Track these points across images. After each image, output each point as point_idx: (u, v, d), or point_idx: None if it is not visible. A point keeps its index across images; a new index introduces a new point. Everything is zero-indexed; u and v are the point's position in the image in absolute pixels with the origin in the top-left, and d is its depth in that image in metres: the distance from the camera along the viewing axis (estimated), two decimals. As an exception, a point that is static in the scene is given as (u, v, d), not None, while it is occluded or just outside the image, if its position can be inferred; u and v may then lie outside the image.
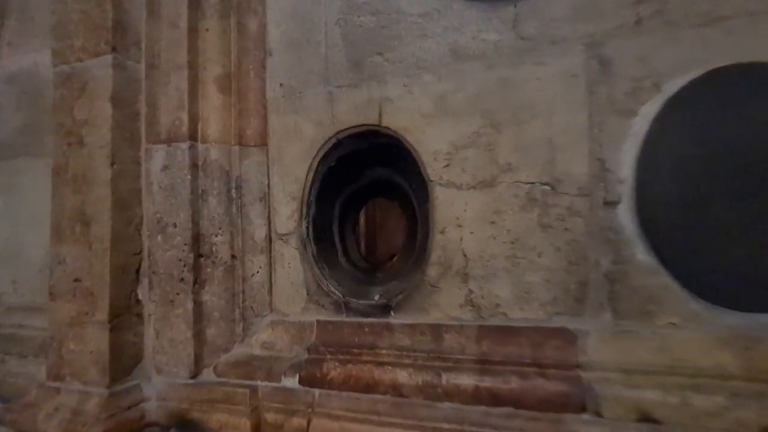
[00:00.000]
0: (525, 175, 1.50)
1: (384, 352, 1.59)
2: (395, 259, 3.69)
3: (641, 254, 1.37)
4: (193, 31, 1.75)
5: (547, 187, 1.47)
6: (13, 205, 2.43)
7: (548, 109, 1.47)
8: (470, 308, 1.55)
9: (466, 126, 1.57)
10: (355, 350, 1.63)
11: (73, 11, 1.72)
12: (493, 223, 1.53)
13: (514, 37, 1.52)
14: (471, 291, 1.55)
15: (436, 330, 1.57)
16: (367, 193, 3.02)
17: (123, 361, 1.65)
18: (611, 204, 1.40)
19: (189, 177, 1.71)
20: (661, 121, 1.36)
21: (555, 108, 1.46)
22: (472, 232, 1.56)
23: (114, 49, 1.67)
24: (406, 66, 1.66)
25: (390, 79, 1.68)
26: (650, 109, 1.36)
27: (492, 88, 1.54)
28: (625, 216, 1.39)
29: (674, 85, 1.34)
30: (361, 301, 1.73)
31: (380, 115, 1.70)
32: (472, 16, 1.57)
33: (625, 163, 1.39)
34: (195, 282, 1.70)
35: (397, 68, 1.68)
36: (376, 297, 1.92)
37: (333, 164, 2.01)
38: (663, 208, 1.35)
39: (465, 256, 1.57)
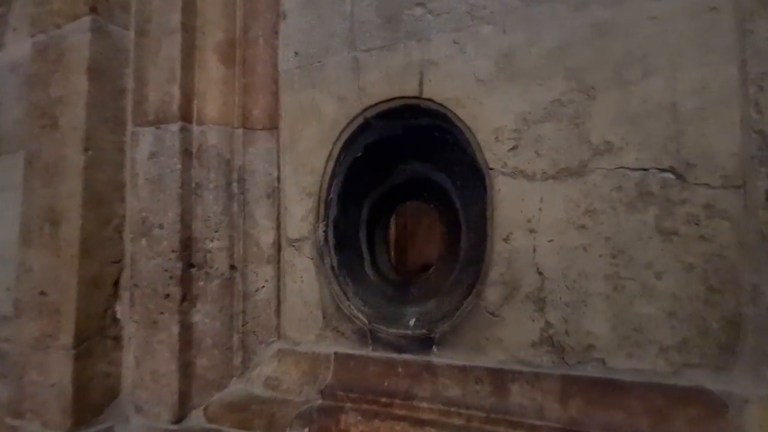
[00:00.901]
0: (633, 158, 1.03)
1: (424, 405, 1.15)
2: (431, 271, 3.24)
3: (838, 279, 0.86)
4: (189, -12, 1.41)
5: (669, 175, 0.99)
6: (13, 204, 2.20)
7: (671, 62, 1.00)
8: (548, 348, 1.09)
9: (542, 92, 1.13)
10: (384, 399, 1.20)
11: (53, -31, 1.43)
12: (583, 227, 1.07)
13: (614, -37, 1.07)
14: (550, 324, 1.09)
15: (499, 378, 1.12)
16: (400, 194, 2.61)
17: (92, 398, 1.30)
18: (782, 200, 0.90)
19: (179, 166, 1.36)
20: None
21: (682, 58, 0.99)
22: (550, 241, 1.10)
23: (94, 10, 1.36)
24: (456, 17, 1.24)
25: (435, 35, 1.27)
26: None
27: (582, 38, 1.09)
28: (807, 218, 0.89)
29: None
30: (392, 330, 1.31)
31: (421, 84, 1.28)
32: (551, -58, 1.14)
33: (807, 137, 0.89)
34: (183, 299, 1.34)
35: (445, 21, 1.26)
36: (412, 322, 1.49)
37: (359, 154, 1.61)
38: None
39: (540, 274, 1.11)
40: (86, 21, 1.35)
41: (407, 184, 2.38)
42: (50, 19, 1.42)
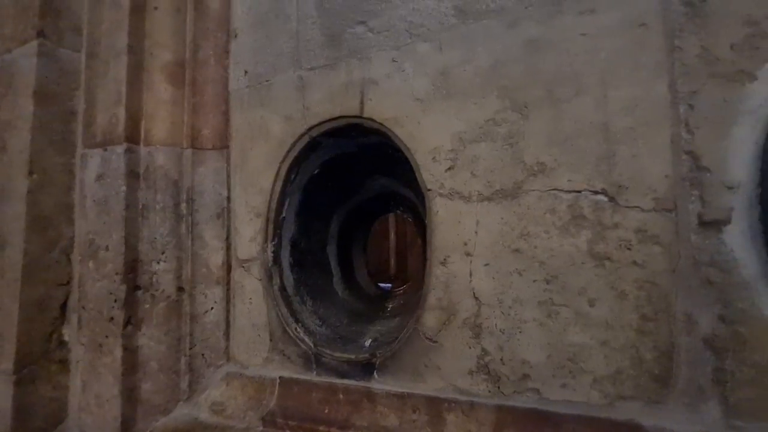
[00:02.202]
0: (566, 180, 0.99)
1: (359, 435, 1.11)
2: (406, 286, 3.19)
3: (772, 309, 0.81)
4: (137, 10, 1.41)
5: (602, 198, 0.95)
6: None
7: (602, 80, 0.97)
8: (485, 377, 1.05)
9: (477, 111, 1.10)
10: (322, 428, 1.16)
11: (5, -6, 1.45)
12: (517, 251, 1.03)
13: (546, -21, 1.04)
14: (486, 352, 1.05)
15: (435, 407, 1.08)
16: (377, 207, 2.59)
17: (34, 423, 1.29)
18: (713, 224, 0.86)
19: (124, 188, 1.35)
20: (800, 86, 0.82)
21: (613, 77, 0.96)
22: (486, 264, 1.06)
23: (41, 34, 1.37)
24: (395, 35, 1.22)
25: (375, 54, 1.25)
26: (780, 67, 0.82)
27: (515, 55, 1.06)
28: (741, 244, 0.84)
29: (827, 23, 0.79)
30: (337, 354, 1.27)
31: (362, 103, 1.26)
32: (486, -42, 1.11)
33: (738, 158, 0.85)
34: (127, 322, 1.32)
35: (384, 39, 1.24)
36: (368, 342, 1.46)
37: (316, 172, 1.59)
38: (811, 232, 0.80)
39: (477, 299, 1.07)
40: (33, 45, 1.36)
41: (380, 198, 2.36)
42: (3, 43, 1.44)
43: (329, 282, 1.99)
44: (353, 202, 2.15)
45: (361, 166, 1.75)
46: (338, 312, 1.81)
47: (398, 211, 2.71)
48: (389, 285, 3.41)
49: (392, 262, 5.20)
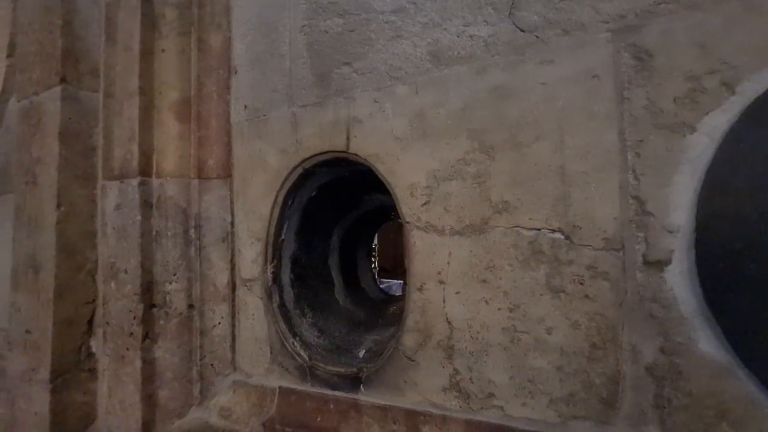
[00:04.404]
0: (527, 219, 1.08)
1: (345, 442, 1.25)
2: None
3: (705, 342, 0.89)
4: (146, 53, 1.55)
5: (558, 236, 1.04)
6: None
7: (558, 126, 1.05)
8: (456, 394, 1.16)
9: (449, 151, 1.19)
10: (313, 434, 1.31)
11: (31, 41, 1.62)
12: (484, 281, 1.13)
13: (510, 29, 1.12)
14: (457, 371, 1.16)
15: (412, 419, 1.20)
16: (379, 217, 2.70)
17: (68, 425, 1.48)
18: (656, 264, 0.94)
19: (139, 217, 1.51)
20: (737, 138, 0.88)
21: (568, 124, 1.04)
22: (457, 292, 1.17)
23: (63, 80, 1.53)
24: (377, 77, 1.32)
25: (359, 94, 1.35)
26: (718, 121, 0.89)
27: (482, 100, 1.15)
28: (680, 283, 0.92)
29: (759, 83, 0.85)
30: (329, 368, 1.41)
31: (348, 140, 1.37)
32: (457, 6, 1.19)
33: (678, 204, 0.92)
34: (145, 336, 1.49)
35: (367, 80, 1.34)
36: (362, 353, 1.59)
37: (314, 194, 1.72)
38: (742, 274, 0.87)
39: (449, 323, 1.18)
40: (57, 90, 1.52)
41: (380, 210, 2.47)
42: (31, 87, 1.61)
43: (331, 292, 2.12)
44: (352, 217, 2.27)
45: (358, 185, 1.86)
46: (338, 321, 1.95)
47: (399, 220, 2.83)
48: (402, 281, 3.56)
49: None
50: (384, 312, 2.39)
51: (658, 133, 0.94)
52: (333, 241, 2.19)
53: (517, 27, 1.11)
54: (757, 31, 0.86)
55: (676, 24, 0.93)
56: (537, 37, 1.08)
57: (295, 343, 1.50)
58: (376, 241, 5.51)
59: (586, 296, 1.01)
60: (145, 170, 1.54)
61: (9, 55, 2.12)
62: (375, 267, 5.77)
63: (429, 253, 1.22)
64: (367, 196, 2.16)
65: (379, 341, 1.70)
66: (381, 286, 3.37)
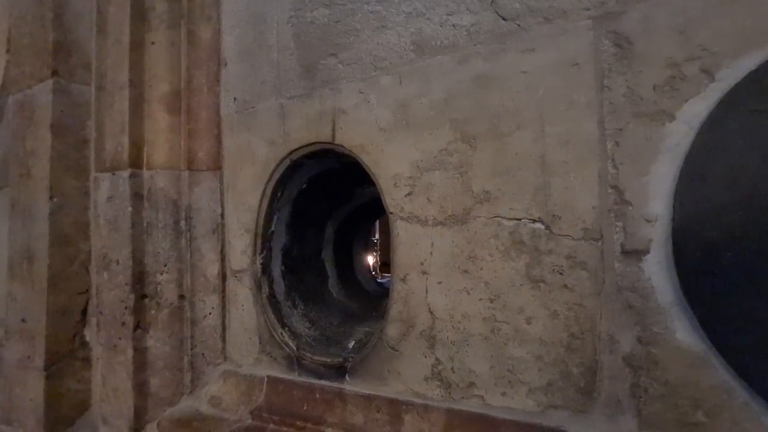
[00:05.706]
0: (508, 208, 1.08)
1: (330, 431, 1.26)
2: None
3: (682, 332, 0.89)
4: (136, 46, 1.56)
5: (538, 226, 1.04)
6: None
7: (539, 116, 1.04)
8: (438, 383, 1.17)
9: (432, 142, 1.19)
10: (299, 423, 1.33)
11: (25, 35, 1.63)
12: (466, 272, 1.13)
13: (492, 18, 1.11)
14: (439, 361, 1.17)
15: (395, 407, 1.21)
16: (376, 209, 2.70)
17: (63, 411, 1.52)
18: (634, 254, 0.93)
19: (130, 209, 1.53)
20: (716, 126, 0.87)
21: (549, 113, 1.03)
22: (440, 282, 1.17)
23: (55, 73, 1.54)
24: (362, 67, 1.32)
25: (344, 85, 1.35)
26: (697, 108, 0.88)
27: (464, 89, 1.14)
28: (657, 272, 0.91)
29: (738, 69, 0.84)
30: (316, 358, 1.42)
31: (334, 131, 1.37)
32: (440, -4, 1.18)
33: (657, 193, 0.91)
34: (137, 326, 1.52)
35: (352, 71, 1.34)
36: (351, 344, 1.60)
37: (304, 186, 1.73)
38: (718, 263, 0.86)
39: (431, 313, 1.19)
40: (49, 84, 1.54)
41: (375, 203, 2.47)
42: (24, 80, 1.63)
43: (324, 284, 2.14)
44: (346, 210, 2.28)
45: (349, 178, 1.86)
46: (330, 313, 1.96)
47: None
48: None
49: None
50: (379, 305, 2.39)
51: (638, 122, 0.93)
52: (327, 234, 2.20)
53: (499, 15, 1.10)
54: (737, 17, 0.84)
55: (657, 10, 0.91)
56: (519, 25, 1.07)
57: (284, 333, 1.51)
58: (377, 236, 5.52)
59: (565, 286, 1.00)
60: (136, 162, 1.55)
61: (8, 51, 2.16)
62: (377, 261, 5.77)
63: (412, 243, 1.22)
64: (359, 189, 2.16)
65: (370, 333, 1.71)
66: (381, 280, 3.39)
